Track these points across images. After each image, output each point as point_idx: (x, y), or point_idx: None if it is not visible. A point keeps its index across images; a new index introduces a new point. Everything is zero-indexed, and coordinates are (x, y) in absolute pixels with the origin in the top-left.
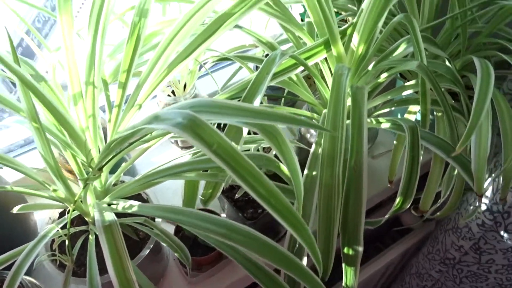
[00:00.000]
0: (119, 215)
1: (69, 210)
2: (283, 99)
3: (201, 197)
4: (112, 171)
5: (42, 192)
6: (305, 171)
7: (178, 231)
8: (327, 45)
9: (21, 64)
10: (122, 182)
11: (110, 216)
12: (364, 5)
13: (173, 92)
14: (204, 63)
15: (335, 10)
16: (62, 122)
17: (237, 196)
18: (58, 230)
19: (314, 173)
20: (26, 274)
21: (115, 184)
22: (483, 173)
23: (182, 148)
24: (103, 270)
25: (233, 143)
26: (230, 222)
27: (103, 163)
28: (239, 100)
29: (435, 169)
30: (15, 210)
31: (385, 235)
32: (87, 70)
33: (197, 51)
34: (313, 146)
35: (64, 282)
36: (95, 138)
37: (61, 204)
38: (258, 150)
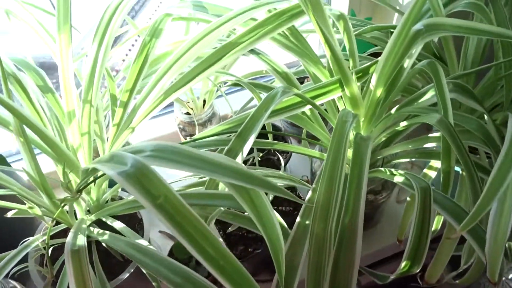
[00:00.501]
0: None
1: (55, 223)
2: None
3: None
4: (112, 185)
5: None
6: (298, 219)
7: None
8: (341, 83)
9: (31, 74)
10: (120, 198)
11: (81, 240)
12: (388, 43)
13: (191, 109)
14: (222, 85)
15: (369, 42)
16: (49, 144)
17: (230, 230)
18: (47, 239)
19: (307, 222)
20: (18, 277)
21: (113, 199)
22: (498, 259)
23: None
24: None
25: (181, 198)
26: (187, 272)
27: (81, 187)
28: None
29: (447, 239)
30: (9, 214)
31: (406, 285)
32: (86, 89)
33: (196, 79)
34: (309, 192)
35: None
36: (89, 156)
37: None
38: None
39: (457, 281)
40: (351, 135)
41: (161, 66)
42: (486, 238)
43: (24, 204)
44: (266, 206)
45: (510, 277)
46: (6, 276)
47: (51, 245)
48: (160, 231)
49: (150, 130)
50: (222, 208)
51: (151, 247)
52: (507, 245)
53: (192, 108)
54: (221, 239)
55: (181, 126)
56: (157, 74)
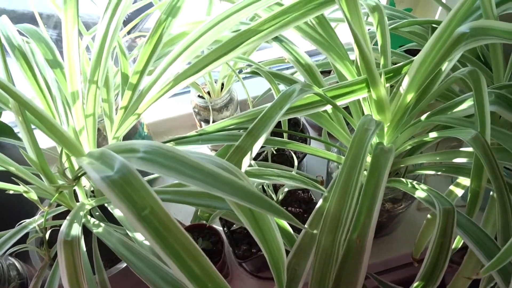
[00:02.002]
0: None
1: (57, 204)
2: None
3: (200, 217)
4: None
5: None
6: (306, 225)
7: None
8: (368, 84)
9: (41, 46)
10: None
11: (75, 230)
12: (426, 45)
13: (209, 92)
14: (239, 71)
15: (405, 37)
16: (48, 127)
17: (234, 227)
18: (44, 223)
19: (315, 231)
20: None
21: None
22: None
23: (212, 150)
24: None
25: (168, 211)
26: (177, 281)
27: (79, 174)
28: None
29: (468, 265)
30: (11, 191)
31: None
32: (92, 68)
33: (208, 68)
34: (321, 200)
35: (36, 275)
36: (93, 139)
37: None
38: (264, 189)
39: None
40: (372, 144)
41: (174, 49)
42: None
43: (26, 183)
44: (266, 218)
45: None
46: (10, 254)
47: (51, 226)
48: None
49: (168, 108)
50: None
51: (146, 242)
52: None
53: (208, 92)
54: (204, 255)
55: (196, 110)
56: (168, 58)
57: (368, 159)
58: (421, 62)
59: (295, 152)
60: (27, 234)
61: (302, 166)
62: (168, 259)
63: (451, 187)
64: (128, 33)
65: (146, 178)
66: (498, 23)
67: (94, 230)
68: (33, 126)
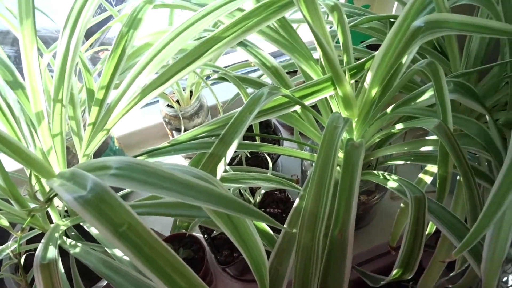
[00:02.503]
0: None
1: (30, 228)
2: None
3: (180, 226)
4: None
5: None
6: (285, 225)
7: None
8: (333, 82)
9: (0, 70)
10: None
11: (52, 252)
12: (385, 40)
13: (178, 101)
14: (207, 78)
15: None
16: (14, 151)
17: (215, 233)
18: (17, 248)
19: (294, 230)
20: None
21: None
22: (495, 278)
23: (186, 158)
24: None
25: (147, 226)
26: (148, 287)
27: (51, 196)
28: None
29: (442, 249)
30: None
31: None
32: (56, 86)
33: (176, 77)
34: (297, 199)
35: None
36: (63, 159)
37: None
38: (240, 193)
39: (450, 286)
40: (342, 140)
41: (139, 61)
42: (483, 256)
43: None
44: (245, 223)
45: (504, 279)
46: None
47: (26, 251)
48: None
49: (138, 120)
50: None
51: (126, 258)
52: None
53: (177, 101)
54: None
55: (166, 119)
56: (133, 70)
57: (340, 155)
58: (382, 57)
59: (269, 154)
60: (1, 261)
61: (277, 166)
62: (151, 274)
63: (421, 175)
64: (91, 46)
65: (121, 193)
66: (451, 15)
67: (71, 251)
68: None
